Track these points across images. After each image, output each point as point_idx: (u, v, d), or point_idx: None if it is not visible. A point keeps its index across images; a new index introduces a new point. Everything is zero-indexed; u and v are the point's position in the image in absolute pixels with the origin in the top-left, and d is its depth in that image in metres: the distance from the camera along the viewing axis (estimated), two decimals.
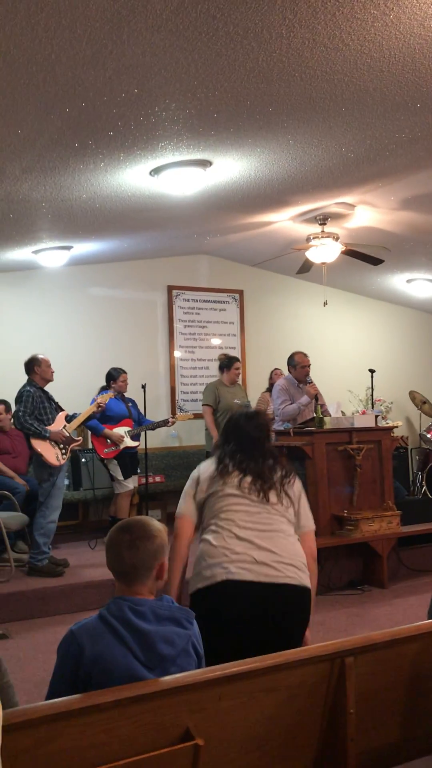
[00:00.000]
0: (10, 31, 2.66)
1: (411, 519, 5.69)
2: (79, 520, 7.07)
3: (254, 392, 7.91)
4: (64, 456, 5.44)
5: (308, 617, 2.57)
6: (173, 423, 6.69)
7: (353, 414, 5.72)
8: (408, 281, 8.24)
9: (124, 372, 6.57)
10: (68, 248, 6.32)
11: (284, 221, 6.20)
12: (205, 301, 8.16)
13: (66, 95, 3.24)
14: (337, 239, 6.12)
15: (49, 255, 6.36)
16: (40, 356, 5.56)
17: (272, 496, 2.58)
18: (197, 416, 7.24)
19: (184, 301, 8.04)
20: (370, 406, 7.76)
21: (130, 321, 7.70)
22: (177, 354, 7.95)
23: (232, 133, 3.94)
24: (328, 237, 6.07)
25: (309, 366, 6.26)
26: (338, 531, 5.35)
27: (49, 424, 5.42)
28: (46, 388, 5.58)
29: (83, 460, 6.88)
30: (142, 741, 1.73)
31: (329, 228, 6.11)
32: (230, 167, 4.53)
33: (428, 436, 8.36)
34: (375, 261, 6.46)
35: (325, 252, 6.14)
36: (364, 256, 6.36)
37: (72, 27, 2.68)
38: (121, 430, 6.40)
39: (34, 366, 5.51)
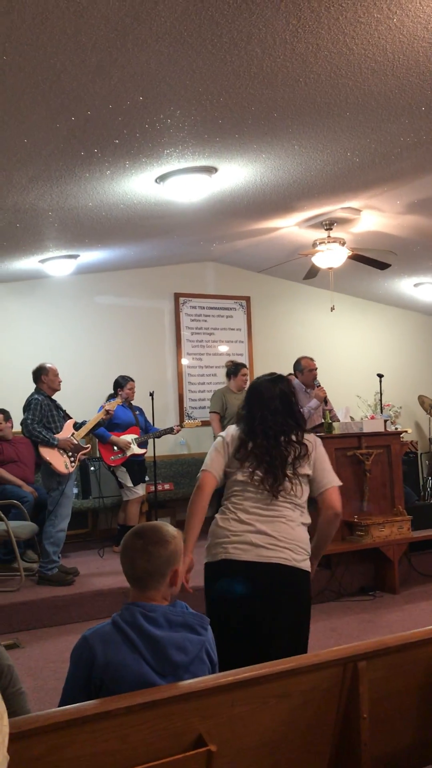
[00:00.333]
0: (16, 41, 2.68)
1: (422, 524, 5.66)
2: (89, 529, 7.06)
3: None
4: (73, 464, 5.44)
5: (301, 597, 2.65)
6: (178, 431, 6.68)
7: (362, 419, 5.70)
8: (415, 285, 8.22)
9: (131, 380, 6.58)
10: (75, 257, 6.35)
11: (290, 227, 6.21)
12: (212, 308, 8.16)
13: (71, 104, 3.26)
14: (343, 244, 6.12)
15: (56, 264, 6.38)
16: (48, 365, 5.58)
17: (282, 489, 2.67)
18: (205, 423, 7.24)
19: (191, 309, 8.05)
20: (379, 410, 7.74)
21: (138, 329, 7.71)
22: (184, 361, 7.96)
23: (237, 139, 3.95)
24: (334, 242, 6.07)
25: (316, 369, 6.26)
26: (349, 537, 5.33)
27: (57, 432, 5.43)
28: (54, 396, 5.60)
29: (92, 468, 6.88)
30: (155, 747, 1.72)
31: (335, 233, 6.11)
32: (236, 173, 4.54)
33: None
34: (382, 265, 6.46)
35: (331, 257, 6.13)
36: (370, 260, 6.35)
37: (77, 36, 2.69)
38: (128, 438, 6.40)
39: (41, 375, 5.53)
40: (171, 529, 2.02)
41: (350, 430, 5.50)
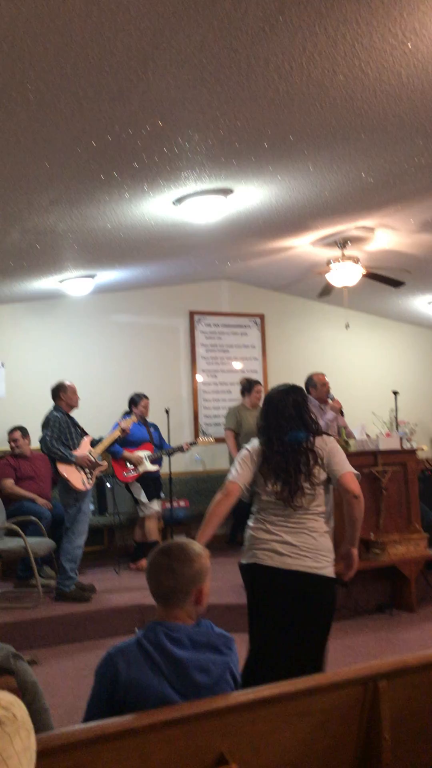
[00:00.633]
0: (41, 69, 2.76)
1: None
2: (105, 546, 7.08)
3: None
4: (90, 481, 5.48)
5: (322, 600, 2.91)
6: (188, 448, 6.68)
7: (377, 436, 5.69)
8: (429, 303, 8.24)
9: (146, 397, 6.63)
10: (92, 276, 6.43)
11: (304, 245, 6.26)
12: (227, 326, 8.22)
13: (92, 129, 3.33)
14: (357, 262, 6.15)
15: (74, 284, 6.47)
16: (67, 383, 5.64)
17: (300, 501, 2.91)
18: (219, 440, 7.26)
19: (206, 326, 8.10)
20: (394, 428, 7.72)
21: (153, 346, 7.77)
22: (199, 378, 8.00)
23: (253, 161, 4.01)
24: (348, 260, 6.11)
25: (328, 384, 6.28)
26: (365, 554, 5.31)
27: (75, 449, 5.48)
28: (72, 413, 5.66)
29: (108, 485, 6.91)
30: (177, 765, 1.73)
31: (349, 251, 6.15)
32: (251, 194, 4.60)
33: None
34: (396, 283, 6.48)
35: (345, 275, 6.17)
36: (384, 278, 6.38)
37: (99, 64, 2.77)
38: (141, 453, 6.44)
39: (60, 392, 5.59)
40: (197, 548, 2.03)
41: (366, 448, 5.50)
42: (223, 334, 8.20)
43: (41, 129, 3.29)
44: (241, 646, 2.19)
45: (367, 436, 6.02)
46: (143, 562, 6.37)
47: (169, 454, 6.59)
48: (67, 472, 5.36)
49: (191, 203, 4.49)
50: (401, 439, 5.75)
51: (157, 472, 6.52)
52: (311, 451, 2.93)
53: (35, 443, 5.94)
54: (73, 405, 5.62)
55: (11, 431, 6.44)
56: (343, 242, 6.04)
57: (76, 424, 5.65)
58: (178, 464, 7.33)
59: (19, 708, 1.40)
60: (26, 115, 3.11)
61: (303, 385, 6.40)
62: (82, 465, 5.44)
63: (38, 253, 5.36)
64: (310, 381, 6.31)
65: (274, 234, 5.84)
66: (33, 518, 5.64)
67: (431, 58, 2.99)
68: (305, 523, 2.91)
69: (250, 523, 3.04)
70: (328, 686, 1.93)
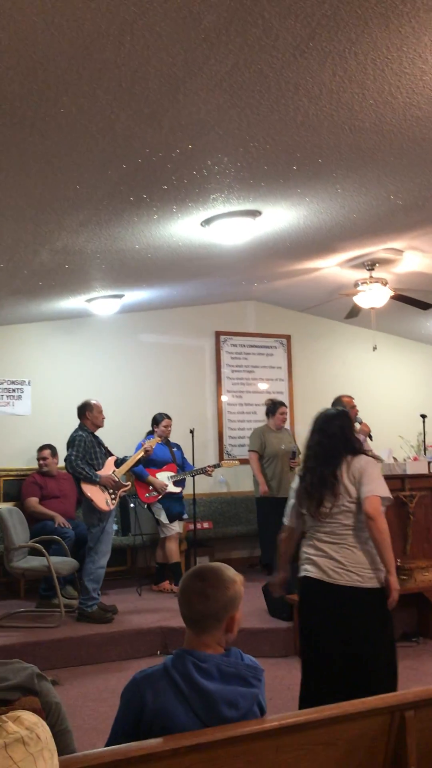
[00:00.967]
0: (73, 94, 2.81)
1: None
2: (128, 566, 7.06)
3: (303, 437, 7.85)
4: (114, 501, 5.49)
5: (373, 614, 3.12)
6: (211, 472, 6.66)
7: (405, 460, 5.63)
8: None
9: (168, 417, 6.64)
10: (120, 296, 6.49)
11: (332, 267, 6.26)
12: (253, 346, 8.22)
13: (123, 152, 3.38)
14: (385, 284, 6.13)
15: (102, 303, 6.53)
16: (93, 401, 5.68)
17: (339, 517, 3.16)
18: (243, 462, 7.23)
19: (231, 346, 8.12)
20: (422, 452, 7.63)
21: (179, 366, 7.80)
22: (224, 398, 8.00)
23: (281, 183, 4.03)
24: (376, 282, 6.09)
25: (356, 407, 6.24)
26: None
27: (99, 469, 5.49)
28: (97, 431, 5.68)
29: (131, 505, 6.91)
30: None
31: (377, 273, 6.14)
32: (279, 216, 4.63)
33: None
34: (424, 305, 6.45)
35: (373, 297, 6.15)
36: (413, 300, 6.35)
37: (131, 88, 2.81)
38: (164, 476, 6.43)
39: (86, 411, 5.63)
40: (232, 573, 1.96)
41: (393, 472, 5.44)
42: (249, 354, 8.21)
43: (73, 152, 3.34)
44: (266, 671, 2.15)
45: (395, 459, 5.96)
46: (165, 584, 6.35)
47: (192, 476, 6.58)
48: (91, 492, 5.38)
49: (219, 225, 4.52)
50: (429, 463, 5.68)
51: (179, 494, 6.51)
52: (342, 468, 3.18)
53: (62, 462, 5.97)
54: (98, 424, 5.65)
55: (41, 449, 6.49)
56: (371, 264, 6.03)
57: (101, 444, 5.67)
58: (202, 485, 7.31)
59: (43, 729, 1.40)
60: (59, 138, 3.17)
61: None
62: (106, 485, 5.45)
63: (67, 273, 5.42)
64: (339, 403, 6.28)
65: (302, 255, 5.85)
66: (56, 537, 5.65)
67: None
68: (346, 538, 3.14)
69: (303, 540, 3.34)
70: (353, 715, 1.89)
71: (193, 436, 6.68)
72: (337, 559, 3.13)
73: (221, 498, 7.67)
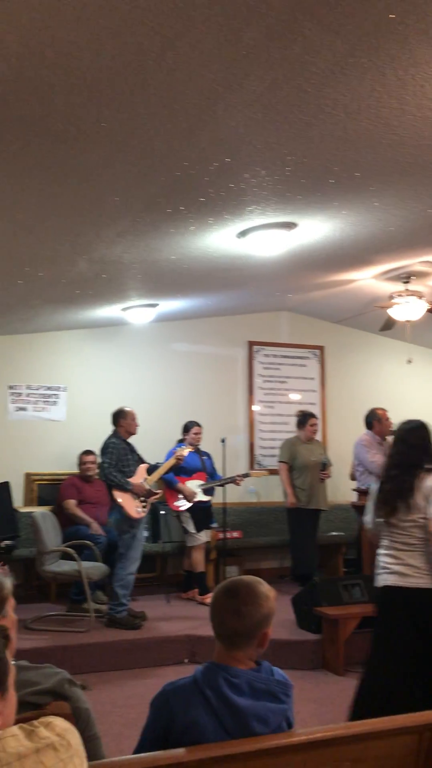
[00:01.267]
0: (114, 108, 2.87)
1: None
2: (157, 573, 7.10)
3: (335, 449, 7.83)
4: (145, 509, 5.53)
5: None
6: (240, 482, 6.65)
7: None
8: None
9: (198, 425, 6.66)
10: (154, 306, 6.55)
11: (367, 279, 6.24)
12: (286, 357, 8.22)
13: (162, 165, 3.43)
14: (421, 297, 6.09)
15: (137, 312, 6.61)
16: (127, 409, 5.74)
17: (412, 530, 3.29)
18: (273, 472, 7.22)
19: (264, 357, 8.13)
20: None
21: (211, 375, 7.84)
22: (256, 408, 8.00)
23: (318, 197, 4.04)
24: (412, 295, 6.05)
25: (391, 420, 6.19)
26: None
27: (131, 476, 5.54)
28: (129, 438, 5.74)
29: (162, 512, 6.95)
30: None
31: (413, 286, 6.10)
32: (315, 229, 4.63)
33: None
34: None
35: (408, 310, 6.11)
36: None
37: (170, 104, 2.86)
38: (193, 484, 6.44)
39: (120, 418, 5.69)
40: (265, 589, 1.92)
41: None
42: (282, 365, 8.20)
43: (112, 166, 3.40)
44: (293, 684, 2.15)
45: None
46: (193, 593, 6.37)
47: (221, 485, 6.59)
48: (123, 499, 5.42)
49: (255, 236, 4.54)
50: None
51: (208, 503, 6.52)
52: (418, 480, 3.30)
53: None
54: (131, 431, 5.71)
55: (85, 453, 6.57)
56: (406, 277, 6.00)
57: (133, 450, 5.72)
58: (232, 495, 7.31)
59: (73, 735, 1.42)
60: (100, 152, 3.23)
61: (364, 420, 6.37)
62: (138, 493, 5.50)
63: (104, 283, 5.50)
64: (374, 415, 6.24)
65: (337, 267, 5.84)
66: (88, 542, 5.71)
67: None
68: (417, 544, 3.29)
69: (379, 548, 3.47)
70: (382, 732, 1.89)
71: (224, 446, 6.69)
72: (413, 564, 3.29)
73: (251, 508, 7.66)
